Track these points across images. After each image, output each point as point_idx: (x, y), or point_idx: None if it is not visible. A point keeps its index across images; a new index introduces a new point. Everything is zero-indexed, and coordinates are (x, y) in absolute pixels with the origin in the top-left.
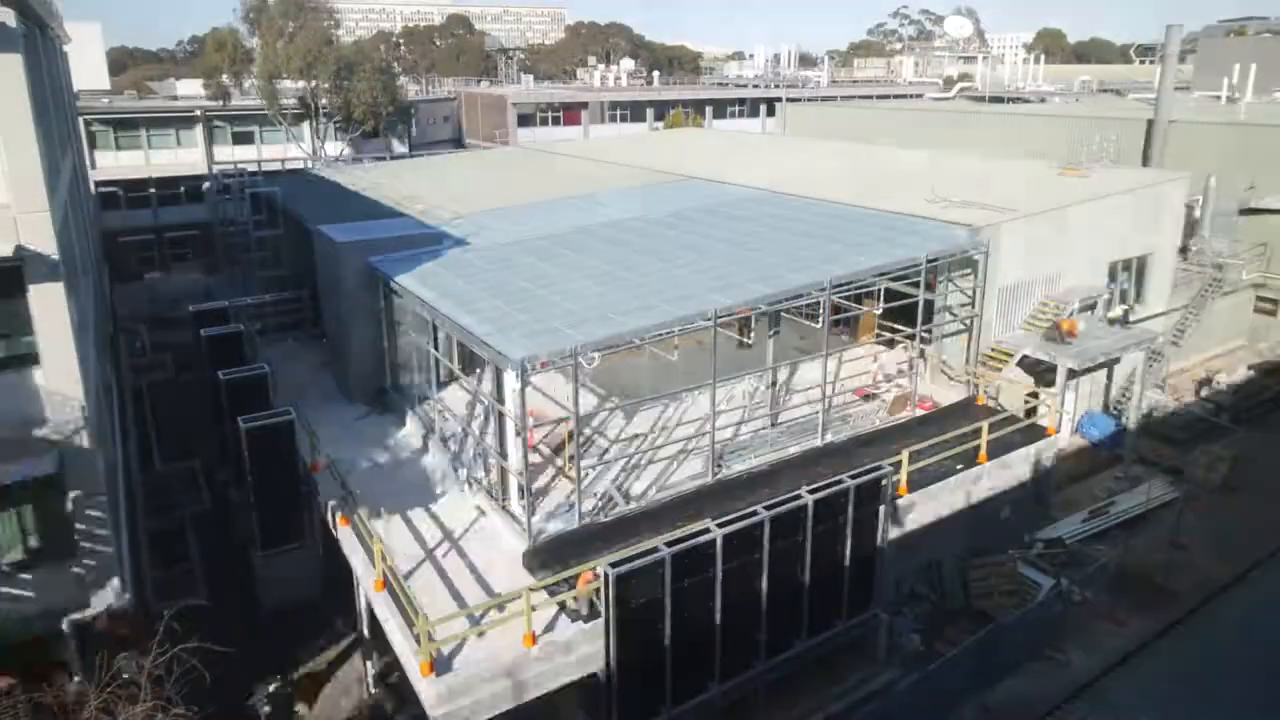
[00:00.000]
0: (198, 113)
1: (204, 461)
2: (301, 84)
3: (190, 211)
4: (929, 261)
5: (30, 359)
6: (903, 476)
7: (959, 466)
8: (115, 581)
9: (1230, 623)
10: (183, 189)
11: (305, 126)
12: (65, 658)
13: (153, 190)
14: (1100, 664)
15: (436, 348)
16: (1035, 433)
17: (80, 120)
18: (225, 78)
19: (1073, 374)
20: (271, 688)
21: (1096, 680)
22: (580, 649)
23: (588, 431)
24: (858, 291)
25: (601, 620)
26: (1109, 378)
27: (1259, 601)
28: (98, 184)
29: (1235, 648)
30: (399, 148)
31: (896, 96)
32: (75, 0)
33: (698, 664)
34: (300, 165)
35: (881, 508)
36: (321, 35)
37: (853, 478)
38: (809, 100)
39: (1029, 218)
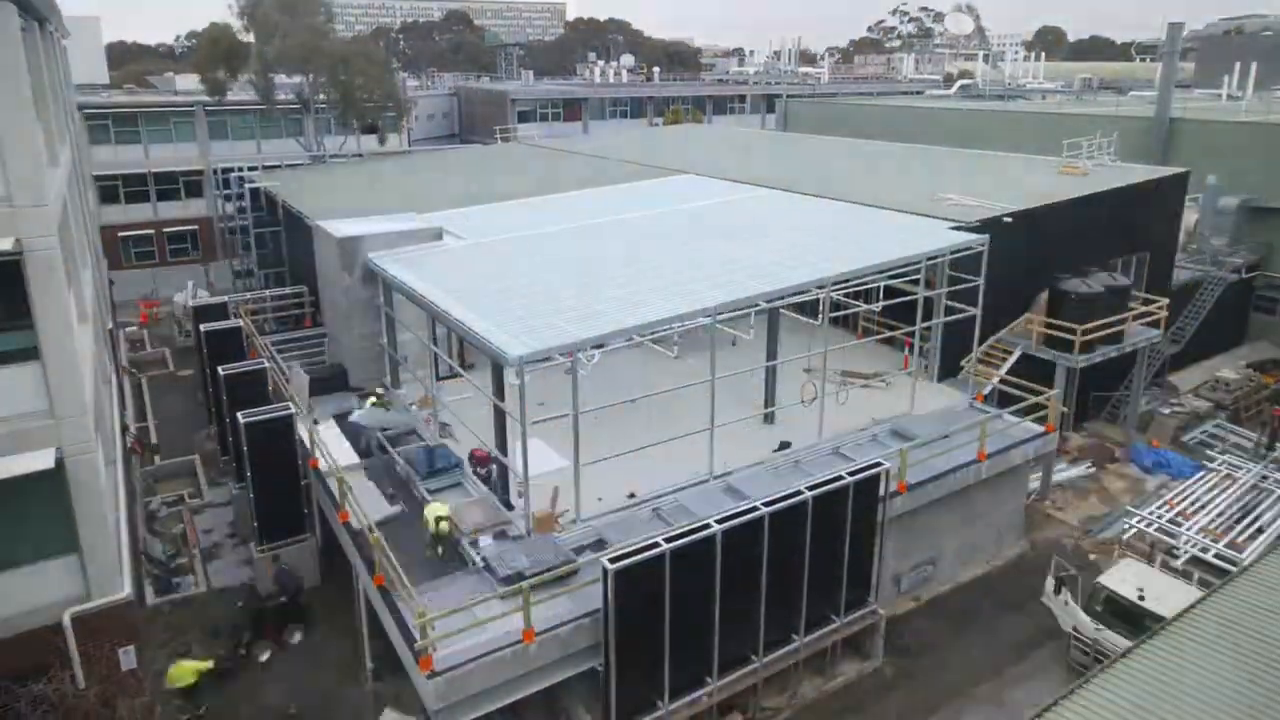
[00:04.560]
0: (196, 108)
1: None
2: (298, 79)
3: (189, 206)
4: (929, 259)
5: (30, 353)
6: (902, 473)
7: (958, 465)
8: (115, 575)
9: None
10: (181, 184)
11: (305, 122)
12: (65, 651)
13: (151, 185)
14: None
15: (435, 343)
16: (1033, 431)
17: (79, 114)
18: (221, 73)
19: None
20: None
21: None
22: (580, 643)
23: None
24: (857, 289)
25: (601, 614)
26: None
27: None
28: (96, 178)
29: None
30: (397, 143)
31: (897, 94)
32: None
33: (695, 658)
34: (300, 161)
35: (880, 504)
36: (316, 29)
37: (851, 474)
38: (809, 97)
39: (1028, 215)
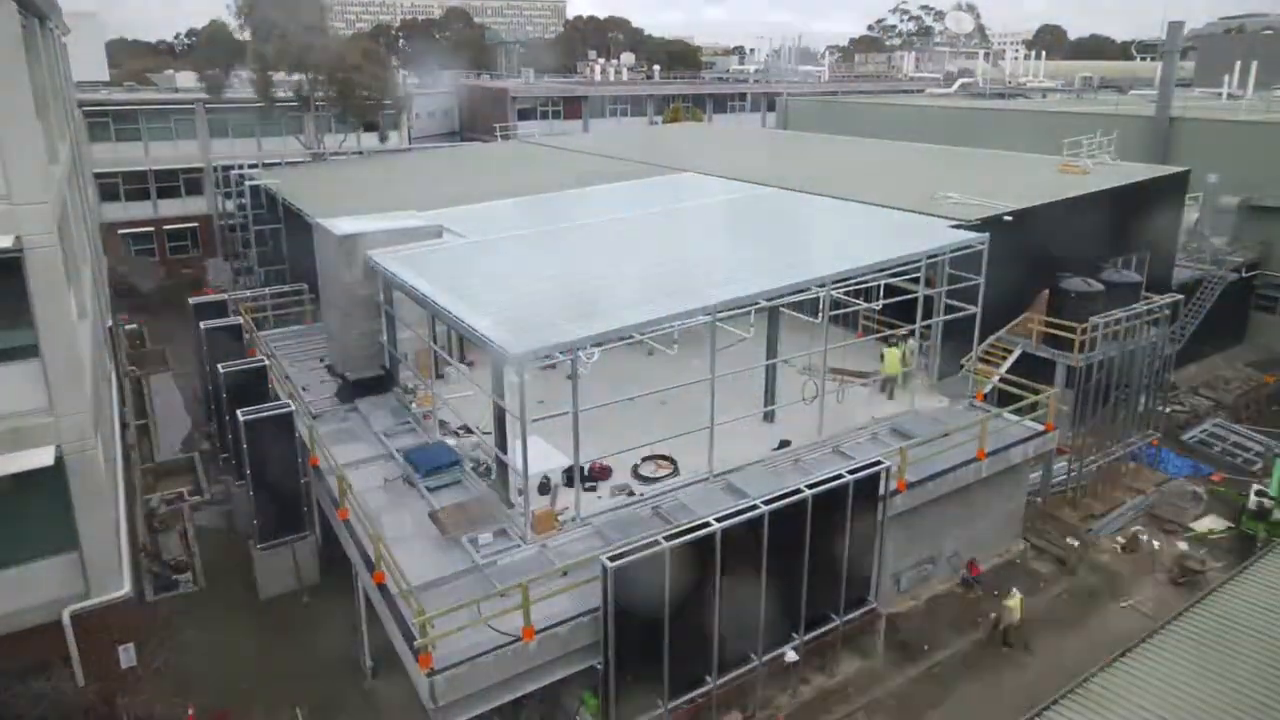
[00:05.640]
0: (196, 106)
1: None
2: (297, 76)
3: (189, 204)
4: (929, 257)
5: (30, 350)
6: (902, 472)
7: (957, 463)
8: (115, 572)
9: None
10: (181, 181)
11: (305, 120)
12: (65, 649)
13: (151, 182)
14: None
15: (435, 341)
16: (1033, 429)
17: (79, 111)
18: (220, 71)
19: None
20: None
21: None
22: (579, 641)
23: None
24: (857, 287)
25: (601, 613)
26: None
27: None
28: (96, 176)
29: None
30: (397, 141)
31: (897, 92)
32: None
33: (695, 657)
34: (300, 159)
35: (880, 502)
36: (313, 28)
37: (851, 473)
38: (810, 95)
39: (1028, 214)
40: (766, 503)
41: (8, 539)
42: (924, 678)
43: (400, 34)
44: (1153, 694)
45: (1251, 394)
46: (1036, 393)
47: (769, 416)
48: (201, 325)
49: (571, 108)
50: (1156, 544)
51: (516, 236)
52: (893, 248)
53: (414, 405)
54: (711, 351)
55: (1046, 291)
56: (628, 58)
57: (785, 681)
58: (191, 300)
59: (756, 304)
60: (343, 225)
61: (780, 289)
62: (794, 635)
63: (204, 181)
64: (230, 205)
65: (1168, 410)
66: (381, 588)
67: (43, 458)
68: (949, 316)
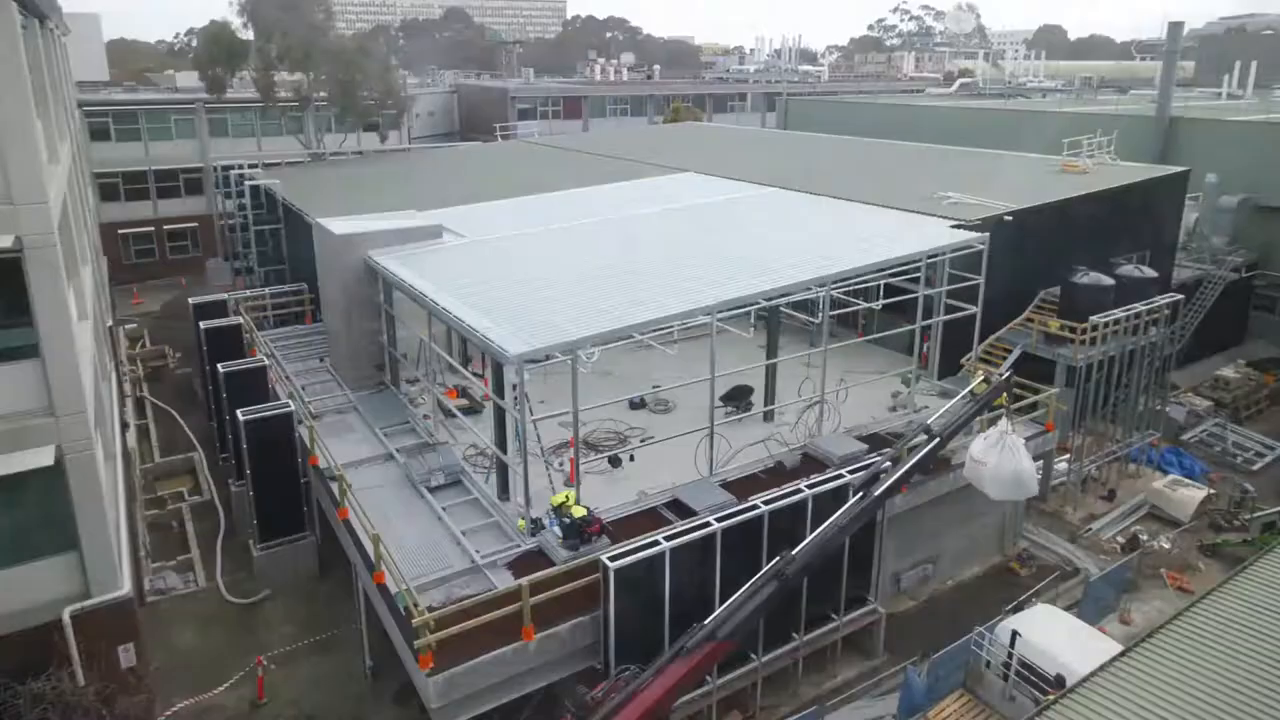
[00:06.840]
0: (197, 106)
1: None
2: (298, 76)
3: (189, 204)
4: (929, 257)
5: (30, 350)
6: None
7: (957, 464)
8: (114, 572)
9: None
10: (181, 181)
11: (305, 120)
12: (65, 649)
13: (151, 182)
14: None
15: (434, 341)
16: (1033, 429)
17: (79, 111)
18: (221, 70)
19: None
20: None
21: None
22: (579, 641)
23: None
24: (857, 287)
25: (601, 613)
26: None
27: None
28: (96, 175)
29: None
30: (396, 141)
31: (897, 92)
32: None
33: None
34: (300, 159)
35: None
36: (316, 26)
37: (851, 473)
38: (810, 95)
39: (1028, 214)
40: (766, 503)
41: (8, 539)
42: None
43: (400, 34)
44: (1152, 694)
45: (1251, 394)
46: (1036, 392)
47: (769, 416)
48: (201, 325)
49: (571, 108)
50: (1156, 544)
51: (516, 236)
52: (893, 248)
53: (414, 405)
54: (712, 351)
55: (1044, 291)
56: (628, 58)
57: (785, 681)
58: (191, 300)
59: (756, 304)
60: (342, 225)
61: (780, 289)
62: (794, 635)
63: (204, 181)
64: (230, 205)
65: (1168, 410)
66: (381, 588)
67: (42, 458)
68: (949, 316)
